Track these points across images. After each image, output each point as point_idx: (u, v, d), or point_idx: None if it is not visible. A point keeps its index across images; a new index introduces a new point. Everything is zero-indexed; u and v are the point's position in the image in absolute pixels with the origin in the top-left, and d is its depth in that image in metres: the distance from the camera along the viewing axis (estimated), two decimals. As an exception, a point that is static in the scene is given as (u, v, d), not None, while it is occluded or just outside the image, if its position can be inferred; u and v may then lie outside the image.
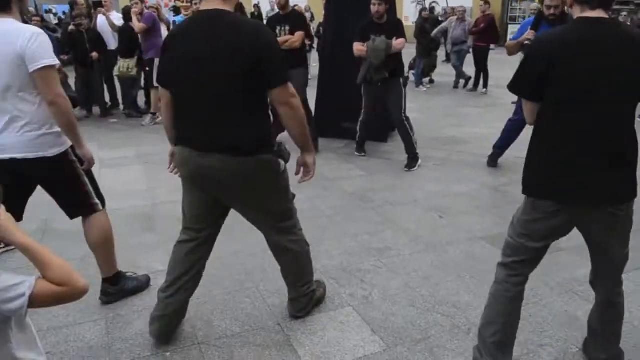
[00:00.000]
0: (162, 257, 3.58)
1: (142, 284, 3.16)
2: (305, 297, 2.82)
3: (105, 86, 8.45)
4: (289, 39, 5.59)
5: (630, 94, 1.96)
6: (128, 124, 7.79)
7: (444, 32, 11.54)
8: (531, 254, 2.22)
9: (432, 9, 15.89)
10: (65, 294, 1.35)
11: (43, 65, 2.43)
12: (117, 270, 3.05)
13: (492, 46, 11.03)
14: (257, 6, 18.08)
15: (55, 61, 2.50)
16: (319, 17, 12.22)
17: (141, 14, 7.63)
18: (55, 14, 15.75)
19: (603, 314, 2.29)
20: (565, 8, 4.23)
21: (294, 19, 5.81)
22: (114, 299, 3.00)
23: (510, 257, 2.27)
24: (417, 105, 9.11)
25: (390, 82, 5.37)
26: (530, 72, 2.04)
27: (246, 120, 2.29)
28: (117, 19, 8.27)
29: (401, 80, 5.50)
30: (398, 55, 5.38)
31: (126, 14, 8.03)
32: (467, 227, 4.07)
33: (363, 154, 5.99)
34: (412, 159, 5.57)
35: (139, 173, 5.40)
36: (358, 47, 5.35)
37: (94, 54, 7.80)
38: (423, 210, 4.41)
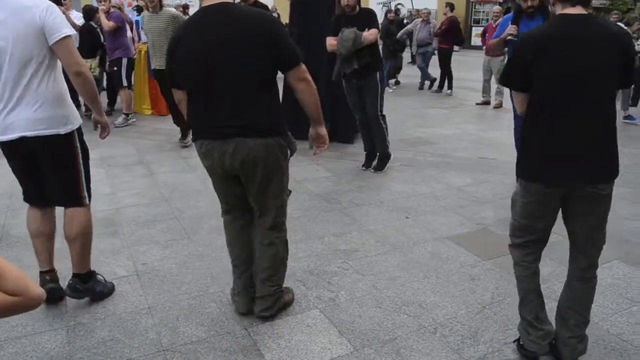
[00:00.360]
0: (125, 262, 3.51)
1: (109, 291, 3.08)
2: (272, 297, 2.80)
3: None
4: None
5: (609, 82, 2.16)
6: (90, 126, 7.59)
7: (409, 34, 11.66)
8: (537, 233, 2.38)
9: (397, 11, 16.03)
10: (20, 304, 1.29)
11: (64, 35, 2.51)
12: (91, 269, 2.98)
13: (455, 48, 11.22)
14: None
15: (73, 30, 2.60)
16: (285, 17, 12.21)
17: (108, 12, 7.49)
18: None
19: (574, 290, 2.40)
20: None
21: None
22: (80, 296, 2.93)
23: (520, 238, 2.42)
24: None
25: (366, 77, 5.15)
26: (518, 66, 2.24)
27: (260, 104, 2.49)
28: (77, 17, 8.06)
29: (378, 75, 5.23)
30: (373, 48, 5.12)
31: (87, 12, 7.84)
32: (433, 227, 4.11)
33: (370, 170, 5.54)
34: (382, 160, 5.49)
35: (102, 176, 5.26)
36: (330, 42, 5.16)
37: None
38: (389, 211, 4.44)
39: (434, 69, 11.20)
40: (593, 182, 2.20)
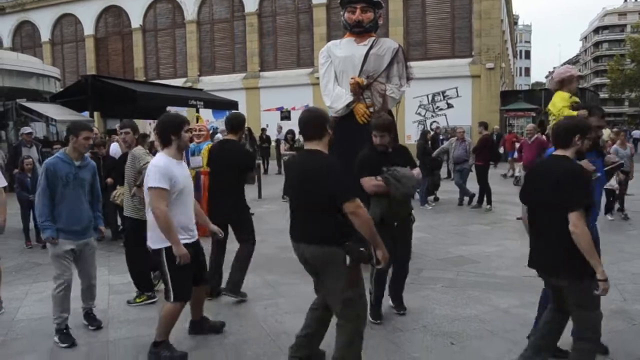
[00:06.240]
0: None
1: (174, 357, 3.91)
2: None
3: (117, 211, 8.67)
4: None
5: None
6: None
7: (445, 152, 11.96)
8: None
9: (437, 129, 16.42)
10: None
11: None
12: (162, 340, 3.95)
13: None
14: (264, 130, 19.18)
15: None
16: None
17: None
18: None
19: None
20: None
21: None
22: (151, 358, 3.94)
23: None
24: (423, 224, 9.21)
25: (405, 221, 4.72)
26: None
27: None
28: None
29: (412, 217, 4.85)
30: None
31: (141, 141, 8.43)
32: (481, 353, 3.98)
33: (379, 322, 4.63)
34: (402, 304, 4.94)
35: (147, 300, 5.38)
36: (373, 182, 4.44)
37: (109, 180, 8.08)
38: (433, 336, 4.33)
39: (473, 184, 11.29)
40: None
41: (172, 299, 3.90)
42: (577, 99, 4.83)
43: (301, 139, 13.64)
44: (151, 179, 3.80)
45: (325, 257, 3.32)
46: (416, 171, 4.71)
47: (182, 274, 3.89)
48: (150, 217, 3.89)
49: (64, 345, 4.26)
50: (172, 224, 3.79)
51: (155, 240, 3.88)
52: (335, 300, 3.37)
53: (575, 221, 3.07)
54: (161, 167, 3.83)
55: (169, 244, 3.82)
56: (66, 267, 4.40)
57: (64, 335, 4.33)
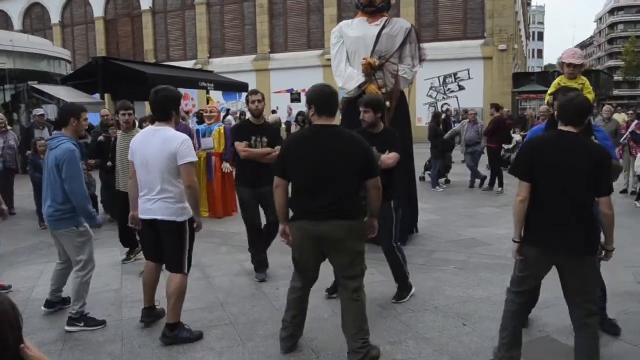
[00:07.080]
0: (183, 370, 3.53)
1: (193, 337, 3.90)
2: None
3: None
4: (270, 152, 5.22)
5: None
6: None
7: (457, 134, 11.87)
8: None
9: (447, 111, 16.32)
10: None
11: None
12: (179, 321, 3.88)
13: (504, 146, 11.27)
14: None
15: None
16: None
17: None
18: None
19: None
20: None
21: (270, 131, 5.46)
22: (168, 342, 3.83)
23: None
24: (434, 206, 9.20)
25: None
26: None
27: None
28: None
29: (392, 204, 4.58)
30: (390, 173, 4.44)
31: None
32: (492, 335, 3.96)
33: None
34: (403, 289, 4.81)
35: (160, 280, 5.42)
36: None
37: (109, 164, 8.02)
38: (445, 318, 4.33)
39: (485, 168, 11.22)
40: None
41: (186, 270, 3.96)
42: (573, 85, 4.45)
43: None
44: (190, 154, 3.81)
45: (362, 231, 3.52)
46: (389, 155, 4.44)
47: (192, 245, 4.05)
48: (178, 191, 3.84)
49: (99, 327, 4.25)
50: None
51: (181, 213, 3.88)
52: (355, 274, 3.48)
53: (610, 203, 3.11)
54: (189, 140, 3.90)
55: (190, 216, 3.91)
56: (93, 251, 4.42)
57: (91, 319, 4.30)
